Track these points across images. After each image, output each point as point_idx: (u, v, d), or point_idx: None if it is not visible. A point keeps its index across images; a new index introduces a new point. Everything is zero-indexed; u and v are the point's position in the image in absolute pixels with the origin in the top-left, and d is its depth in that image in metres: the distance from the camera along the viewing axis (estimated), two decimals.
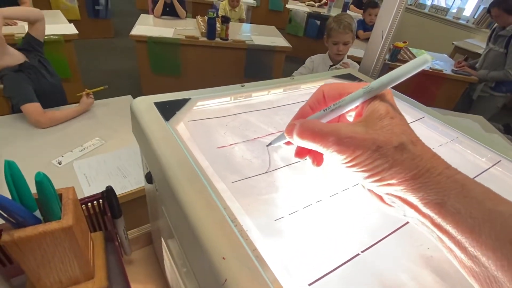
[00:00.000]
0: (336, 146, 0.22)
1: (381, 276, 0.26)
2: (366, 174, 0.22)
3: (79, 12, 3.50)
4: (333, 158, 0.23)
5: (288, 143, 0.28)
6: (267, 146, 0.37)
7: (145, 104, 0.43)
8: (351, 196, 0.33)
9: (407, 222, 0.31)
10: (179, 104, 0.43)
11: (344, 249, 0.27)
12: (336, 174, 0.36)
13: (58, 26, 2.33)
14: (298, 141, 0.24)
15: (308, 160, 0.34)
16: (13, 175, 0.34)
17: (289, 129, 0.25)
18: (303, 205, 0.31)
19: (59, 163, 1.18)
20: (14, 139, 1.25)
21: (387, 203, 0.25)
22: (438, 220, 0.21)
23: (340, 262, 0.26)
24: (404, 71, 0.22)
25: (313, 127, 0.23)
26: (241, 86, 0.51)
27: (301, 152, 0.28)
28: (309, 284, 0.23)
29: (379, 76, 0.70)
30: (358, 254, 0.27)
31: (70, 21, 2.47)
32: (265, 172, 0.34)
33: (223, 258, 0.24)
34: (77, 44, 2.41)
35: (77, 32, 2.27)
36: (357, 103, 0.25)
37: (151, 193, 0.49)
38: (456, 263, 0.22)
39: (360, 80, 0.60)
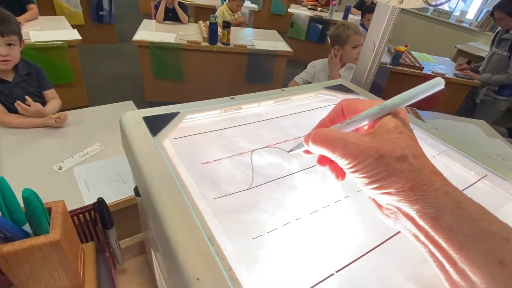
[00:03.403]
0: (341, 151, 0.24)
1: None
2: (367, 181, 0.24)
3: (83, 17, 3.54)
4: (339, 163, 0.25)
5: (307, 151, 0.30)
6: (288, 152, 0.38)
7: (134, 119, 0.43)
8: (331, 213, 0.34)
9: (391, 237, 0.32)
10: (167, 118, 0.44)
11: (321, 268, 0.28)
12: (316, 191, 0.36)
13: (61, 32, 2.36)
14: (312, 147, 0.27)
15: (288, 177, 0.35)
16: (2, 190, 0.35)
17: (306, 137, 0.27)
18: (282, 222, 0.31)
19: (60, 168, 1.19)
20: (15, 144, 1.27)
21: (385, 214, 0.27)
22: (432, 233, 0.22)
23: (316, 282, 0.26)
24: (416, 93, 0.24)
25: (325, 134, 0.26)
26: (231, 98, 0.52)
27: (322, 160, 0.30)
28: None
29: (370, 87, 0.71)
30: (332, 274, 0.27)
31: (74, 26, 2.50)
32: (247, 189, 0.35)
33: (197, 279, 0.24)
34: (81, 49, 2.44)
35: (80, 38, 2.30)
36: (372, 119, 0.27)
37: (140, 205, 0.49)
38: (443, 276, 0.22)
39: (351, 91, 0.60)
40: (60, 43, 2.20)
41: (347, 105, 0.29)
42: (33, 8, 2.54)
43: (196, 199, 0.32)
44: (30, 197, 0.35)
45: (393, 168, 0.23)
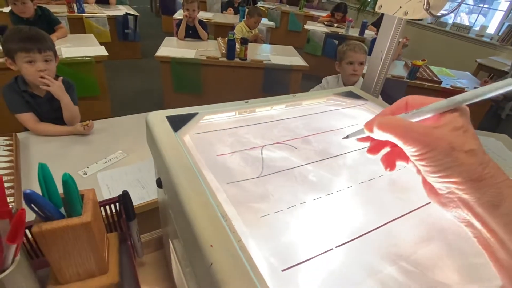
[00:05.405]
0: (411, 139, 0.25)
1: (351, 270, 0.29)
2: (434, 169, 0.25)
3: (110, 35, 3.78)
4: (405, 150, 0.27)
5: (362, 139, 0.32)
6: (343, 138, 0.37)
7: (158, 118, 0.48)
8: (334, 200, 0.37)
9: (390, 221, 0.34)
10: (188, 118, 0.49)
11: (322, 244, 0.31)
12: (321, 182, 0.39)
13: (90, 48, 2.53)
14: (377, 133, 0.28)
15: (296, 169, 0.39)
16: (45, 175, 0.41)
17: (369, 123, 0.28)
18: (288, 205, 0.34)
19: (85, 173, 1.27)
20: (46, 150, 1.36)
21: (442, 202, 0.28)
22: (489, 220, 0.24)
23: (316, 254, 0.29)
24: (487, 90, 0.25)
25: (393, 121, 0.27)
26: (245, 102, 0.56)
27: (373, 149, 0.31)
28: (283, 270, 0.27)
29: (386, 100, 0.73)
30: (331, 249, 0.30)
31: (101, 43, 2.67)
32: (257, 177, 0.38)
33: (211, 245, 0.28)
34: (107, 64, 2.59)
35: (107, 54, 2.46)
36: (439, 112, 0.27)
37: (161, 197, 0.54)
38: (492, 262, 0.25)
39: (360, 97, 0.63)
40: (88, 58, 2.36)
41: (413, 100, 0.30)
42: (62, 26, 2.72)
43: (211, 184, 0.35)
44: (68, 180, 0.40)
45: (462, 160, 0.24)
